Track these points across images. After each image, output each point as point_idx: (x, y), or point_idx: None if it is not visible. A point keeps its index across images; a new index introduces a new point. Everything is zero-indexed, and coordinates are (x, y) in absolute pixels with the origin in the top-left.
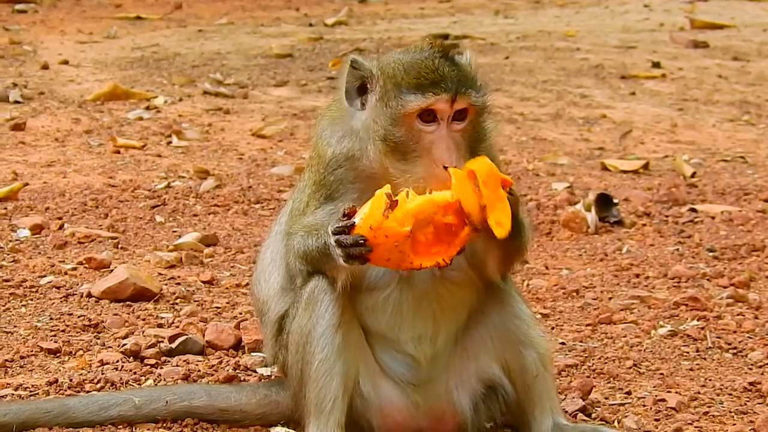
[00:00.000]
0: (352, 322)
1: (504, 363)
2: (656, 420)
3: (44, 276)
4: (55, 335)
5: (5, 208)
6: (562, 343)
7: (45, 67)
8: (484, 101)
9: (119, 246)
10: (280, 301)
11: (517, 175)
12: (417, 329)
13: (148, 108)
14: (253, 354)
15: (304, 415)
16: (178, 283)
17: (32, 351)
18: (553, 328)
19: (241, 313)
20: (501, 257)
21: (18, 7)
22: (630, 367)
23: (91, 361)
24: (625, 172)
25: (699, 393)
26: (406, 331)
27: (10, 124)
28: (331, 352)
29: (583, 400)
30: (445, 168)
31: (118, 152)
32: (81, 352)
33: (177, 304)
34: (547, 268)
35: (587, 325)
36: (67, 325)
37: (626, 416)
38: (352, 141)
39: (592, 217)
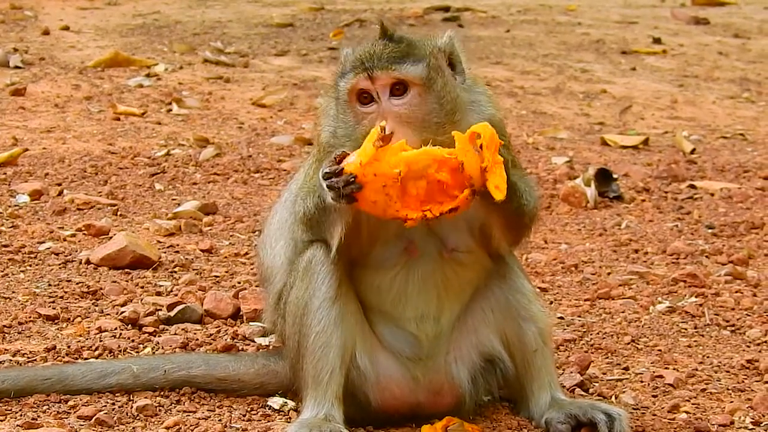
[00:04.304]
0: (349, 295)
1: (504, 337)
2: (653, 396)
3: (43, 242)
4: (53, 302)
5: (4, 174)
6: (561, 318)
7: (46, 32)
8: (417, 72)
9: (118, 213)
10: (286, 273)
11: (517, 149)
12: (420, 309)
13: (148, 75)
14: (251, 323)
15: (302, 387)
16: (177, 252)
17: (30, 317)
18: (551, 303)
19: (239, 282)
20: (504, 224)
21: None
22: (628, 343)
23: (89, 328)
24: (624, 147)
25: (697, 370)
26: (410, 311)
27: (11, 89)
28: (327, 325)
29: (581, 375)
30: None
31: (118, 119)
32: (79, 319)
33: (176, 272)
34: (546, 242)
35: (586, 300)
36: (66, 292)
37: (624, 392)
38: (335, 125)
39: (591, 191)
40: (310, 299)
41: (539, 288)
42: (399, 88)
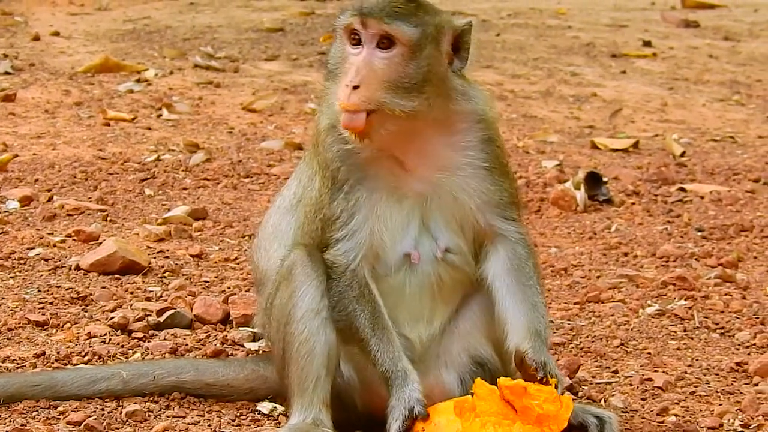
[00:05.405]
0: None
1: (494, 339)
2: (643, 399)
3: (33, 248)
4: (43, 308)
5: None
6: (550, 321)
7: (36, 38)
8: (408, 33)
9: (108, 219)
10: None
11: (508, 153)
12: (415, 312)
13: (138, 81)
14: (240, 328)
15: (289, 392)
16: (167, 257)
17: (20, 323)
18: None
19: (229, 288)
20: None
21: None
22: (617, 346)
23: (78, 334)
24: (614, 150)
25: (686, 373)
26: (405, 313)
27: (0, 95)
28: (310, 334)
29: (570, 379)
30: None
31: (108, 125)
32: (69, 324)
33: (165, 277)
34: (535, 245)
35: (575, 303)
36: (55, 298)
37: (613, 395)
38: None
39: (581, 195)
40: (293, 309)
41: None
42: (386, 42)
